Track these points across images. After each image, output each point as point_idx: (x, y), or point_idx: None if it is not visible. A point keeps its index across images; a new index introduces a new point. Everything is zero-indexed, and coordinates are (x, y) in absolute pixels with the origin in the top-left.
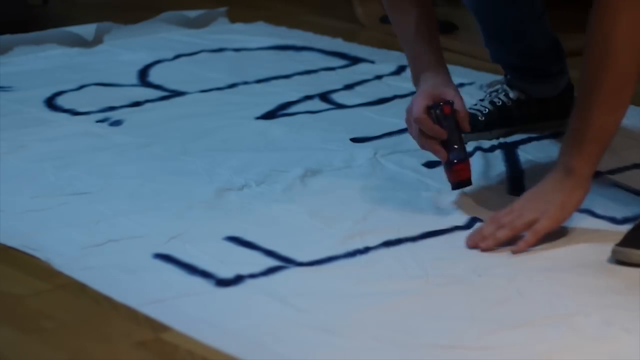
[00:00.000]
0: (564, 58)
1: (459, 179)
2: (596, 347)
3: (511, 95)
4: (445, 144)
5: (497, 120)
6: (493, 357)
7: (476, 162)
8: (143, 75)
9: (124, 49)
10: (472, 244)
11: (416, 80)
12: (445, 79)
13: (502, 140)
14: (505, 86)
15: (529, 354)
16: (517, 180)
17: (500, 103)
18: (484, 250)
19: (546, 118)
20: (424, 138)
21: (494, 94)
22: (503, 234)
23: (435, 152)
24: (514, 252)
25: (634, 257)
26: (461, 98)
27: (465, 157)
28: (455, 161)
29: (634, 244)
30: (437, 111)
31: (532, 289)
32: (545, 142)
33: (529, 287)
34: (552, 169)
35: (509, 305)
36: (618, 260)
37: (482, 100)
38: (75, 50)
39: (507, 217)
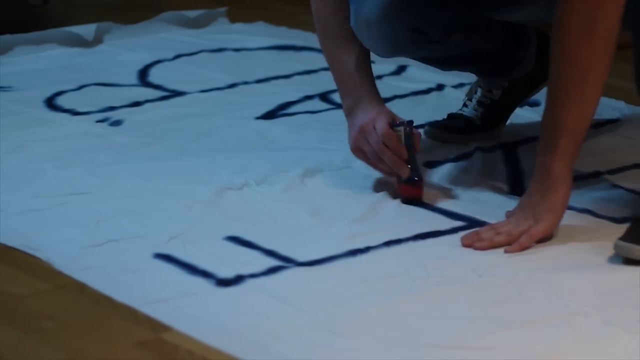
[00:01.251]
0: (526, 38)
1: (416, 195)
2: (596, 347)
3: (493, 90)
4: (405, 162)
5: (495, 117)
6: (493, 357)
7: (476, 162)
8: (143, 75)
9: (124, 49)
10: (467, 243)
11: (350, 111)
12: (386, 108)
13: (502, 140)
14: (481, 84)
15: (529, 354)
16: (517, 180)
17: (489, 101)
18: (478, 249)
19: (536, 85)
20: (386, 155)
21: (476, 96)
22: (500, 238)
23: (396, 168)
24: (507, 251)
25: (636, 253)
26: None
27: (421, 176)
28: (416, 178)
29: (636, 239)
30: (407, 129)
31: (532, 289)
32: None
33: (529, 287)
34: (535, 171)
35: (509, 305)
36: (620, 254)
37: (465, 106)
38: (75, 50)
39: (505, 226)
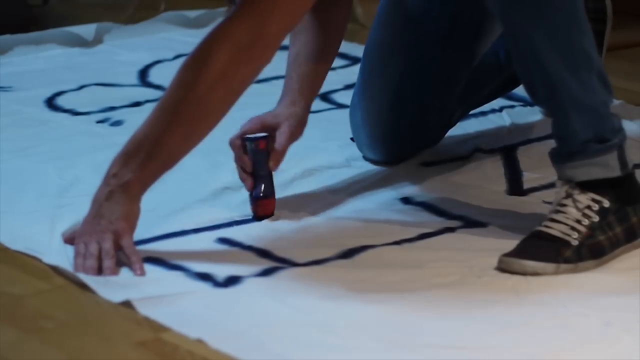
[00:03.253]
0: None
1: (261, 214)
2: (596, 347)
3: None
4: (253, 176)
5: None
6: (493, 357)
7: (475, 163)
8: (143, 75)
9: (124, 49)
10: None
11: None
12: (296, 112)
13: (502, 143)
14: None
15: (529, 354)
16: (516, 182)
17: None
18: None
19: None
20: (237, 163)
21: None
22: (110, 263)
23: (240, 179)
24: (138, 275)
25: (516, 267)
26: (290, 136)
27: (269, 194)
28: (260, 195)
29: (519, 254)
30: (252, 145)
31: (532, 289)
32: (545, 144)
33: (528, 288)
34: (102, 183)
35: (509, 305)
36: (501, 269)
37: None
38: (75, 50)
39: (90, 248)
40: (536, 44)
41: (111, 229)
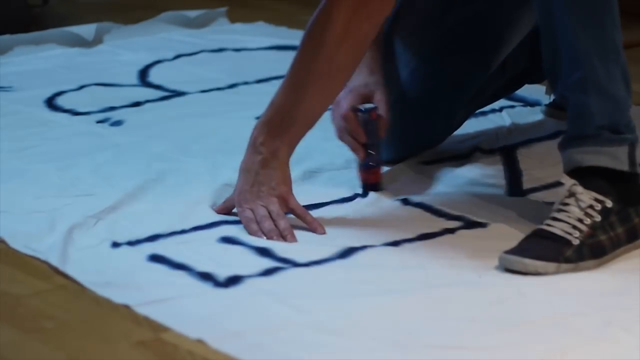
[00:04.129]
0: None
1: (372, 182)
2: (596, 347)
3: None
4: (364, 146)
5: None
6: (493, 357)
7: (475, 163)
8: (143, 75)
9: (124, 49)
10: (274, 237)
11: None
12: (378, 79)
13: (502, 143)
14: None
15: (529, 354)
16: (516, 182)
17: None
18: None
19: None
20: (346, 134)
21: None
22: (285, 224)
23: (354, 151)
24: (320, 233)
25: (517, 265)
26: (386, 102)
27: (379, 163)
28: (371, 164)
29: (521, 252)
30: (366, 115)
31: (532, 289)
32: (545, 144)
33: (529, 287)
34: (249, 146)
35: (509, 305)
36: (502, 267)
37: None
38: (75, 50)
39: (258, 213)
40: (570, 20)
41: (275, 194)
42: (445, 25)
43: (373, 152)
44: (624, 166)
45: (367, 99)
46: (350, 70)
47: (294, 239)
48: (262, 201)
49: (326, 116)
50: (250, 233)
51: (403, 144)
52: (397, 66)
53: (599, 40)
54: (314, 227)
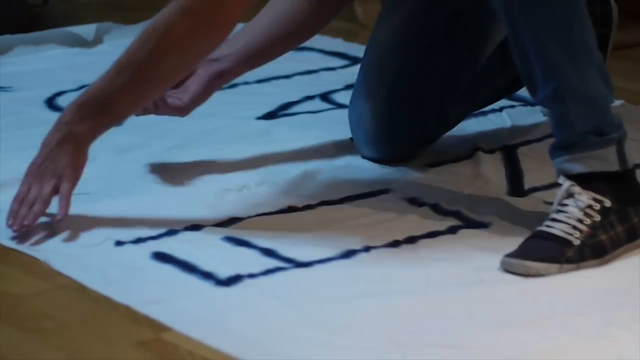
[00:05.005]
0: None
1: None
2: (596, 347)
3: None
4: None
5: None
6: (493, 357)
7: (476, 163)
8: None
9: (124, 49)
10: (16, 227)
11: None
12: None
13: (503, 143)
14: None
15: (529, 354)
16: (517, 182)
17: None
18: (25, 227)
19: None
20: None
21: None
22: (38, 208)
23: None
24: (56, 222)
25: (519, 269)
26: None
27: None
28: None
29: (522, 255)
30: None
31: (532, 288)
32: (546, 144)
33: (529, 287)
34: (55, 122)
35: (509, 305)
36: (504, 270)
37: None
38: (75, 50)
39: (31, 192)
40: (536, 33)
41: (57, 174)
42: (427, 24)
43: None
44: (614, 167)
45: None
46: (173, 80)
47: (20, 228)
48: (43, 179)
49: (326, 116)
50: (9, 213)
51: (396, 142)
52: (384, 65)
53: (568, 45)
54: (59, 212)
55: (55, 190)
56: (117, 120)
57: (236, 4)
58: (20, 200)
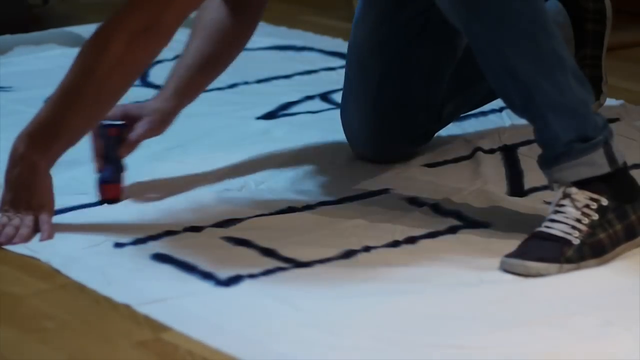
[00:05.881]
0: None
1: (106, 198)
2: (596, 347)
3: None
4: (104, 160)
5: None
6: (493, 357)
7: (476, 163)
8: (143, 75)
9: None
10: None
11: None
12: (163, 108)
13: (503, 143)
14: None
15: (528, 354)
16: (517, 182)
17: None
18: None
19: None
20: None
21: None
22: (26, 232)
23: (93, 161)
24: (43, 240)
25: (519, 269)
26: (148, 131)
27: (113, 179)
28: (103, 180)
29: (522, 255)
30: (104, 130)
31: (532, 288)
32: None
33: (529, 287)
34: (10, 157)
35: (509, 305)
36: (504, 270)
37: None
38: (76, 50)
39: (13, 221)
40: (504, 52)
41: (32, 208)
42: (402, 21)
43: (109, 169)
44: (604, 169)
45: (133, 119)
46: (119, 95)
47: (18, 241)
48: (21, 214)
49: (326, 116)
50: None
51: (388, 140)
52: (367, 68)
53: (539, 59)
54: (42, 236)
55: (36, 220)
56: (72, 143)
57: (170, 13)
58: (2, 225)
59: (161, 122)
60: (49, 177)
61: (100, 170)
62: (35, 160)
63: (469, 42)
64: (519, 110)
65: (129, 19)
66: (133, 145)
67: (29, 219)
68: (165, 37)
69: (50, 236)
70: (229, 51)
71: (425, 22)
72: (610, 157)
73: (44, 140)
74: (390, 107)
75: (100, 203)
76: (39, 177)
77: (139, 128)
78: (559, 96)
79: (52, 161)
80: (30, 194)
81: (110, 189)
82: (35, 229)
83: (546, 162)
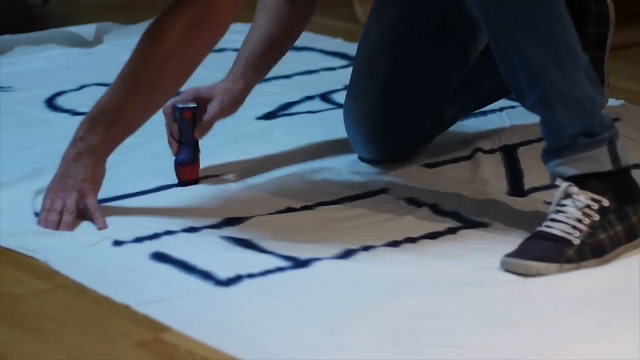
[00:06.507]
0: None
1: (181, 179)
2: (596, 347)
3: None
4: (179, 142)
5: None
6: (493, 357)
7: (476, 163)
8: None
9: (124, 49)
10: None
11: None
12: (233, 88)
13: (503, 143)
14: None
15: (528, 353)
16: (517, 182)
17: None
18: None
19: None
20: (167, 128)
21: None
22: (68, 218)
23: (169, 144)
24: (100, 228)
25: (520, 268)
26: (220, 111)
27: (190, 161)
28: (181, 161)
29: (520, 254)
30: (178, 114)
31: (532, 288)
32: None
33: (529, 287)
34: (72, 139)
35: (509, 304)
36: (504, 270)
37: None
38: (75, 50)
39: (56, 204)
40: (518, 39)
41: (77, 188)
42: (415, 24)
43: (185, 151)
44: (606, 167)
45: (204, 101)
46: (176, 85)
47: (64, 229)
48: (64, 193)
49: (326, 116)
50: (38, 221)
51: (391, 142)
52: (375, 66)
53: (552, 49)
54: (97, 222)
55: (78, 204)
56: (130, 130)
57: (228, 4)
58: (46, 209)
59: (233, 101)
60: (103, 166)
61: (176, 154)
62: (93, 143)
63: (483, 26)
64: (526, 98)
65: (185, 9)
66: (207, 127)
67: (70, 202)
68: (221, 27)
69: (104, 223)
70: (291, 34)
71: (438, 24)
72: (614, 156)
73: (102, 125)
74: (395, 106)
75: (177, 185)
76: (94, 159)
77: (212, 109)
78: (569, 88)
79: (110, 147)
80: (79, 176)
81: (188, 170)
82: (75, 212)
83: (549, 154)
